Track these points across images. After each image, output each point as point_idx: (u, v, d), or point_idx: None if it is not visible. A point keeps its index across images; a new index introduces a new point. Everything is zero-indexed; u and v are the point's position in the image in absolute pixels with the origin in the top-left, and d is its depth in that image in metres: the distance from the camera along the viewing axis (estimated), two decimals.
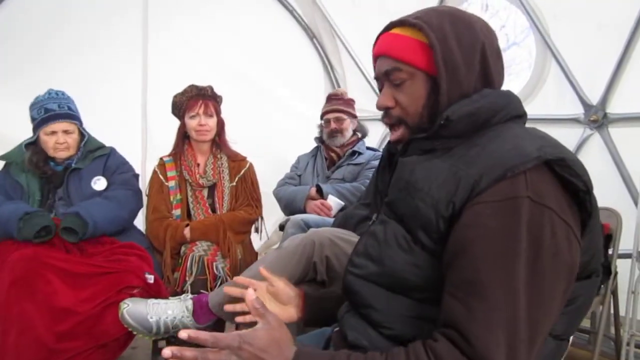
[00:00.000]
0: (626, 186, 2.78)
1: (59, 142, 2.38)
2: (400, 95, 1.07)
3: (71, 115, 2.42)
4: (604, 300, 2.35)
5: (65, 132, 2.40)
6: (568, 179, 0.87)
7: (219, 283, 2.32)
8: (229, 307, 1.44)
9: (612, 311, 2.44)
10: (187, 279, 2.32)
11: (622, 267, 2.45)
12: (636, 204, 2.59)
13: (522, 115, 1.05)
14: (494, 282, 0.82)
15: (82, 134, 2.50)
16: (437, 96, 1.02)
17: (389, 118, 1.11)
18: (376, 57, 1.12)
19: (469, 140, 0.98)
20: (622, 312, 2.46)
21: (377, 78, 1.13)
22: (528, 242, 0.83)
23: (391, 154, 1.20)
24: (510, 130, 0.97)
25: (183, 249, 2.46)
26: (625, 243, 2.40)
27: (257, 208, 2.71)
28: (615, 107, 2.86)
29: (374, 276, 1.02)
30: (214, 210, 2.64)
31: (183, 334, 0.93)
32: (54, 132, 2.37)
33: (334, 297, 1.32)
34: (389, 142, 1.24)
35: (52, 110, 2.36)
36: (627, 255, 2.49)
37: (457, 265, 0.87)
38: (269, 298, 1.40)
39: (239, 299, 1.38)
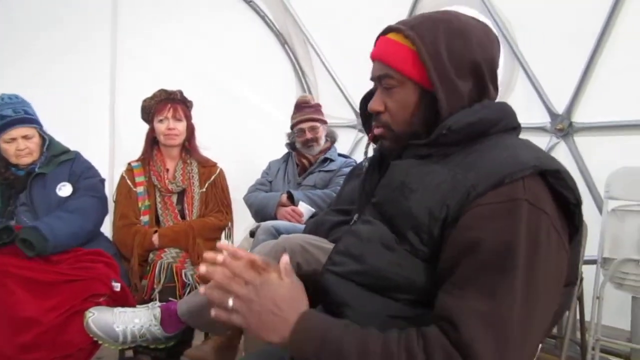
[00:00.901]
0: (590, 193, 2.84)
1: (20, 148, 2.30)
2: (389, 101, 1.08)
3: (28, 119, 2.33)
4: (569, 306, 2.38)
5: (25, 137, 2.31)
6: (560, 192, 0.89)
7: (188, 290, 2.28)
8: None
9: (578, 316, 2.48)
10: (155, 286, 2.28)
11: (587, 272, 2.49)
12: (600, 211, 2.65)
13: (516, 127, 1.07)
14: (491, 280, 0.83)
15: (43, 137, 2.42)
16: (429, 106, 1.03)
17: (378, 122, 1.12)
18: (373, 60, 1.13)
19: (465, 148, 0.99)
20: (587, 317, 2.51)
21: (372, 80, 1.14)
22: (526, 242, 0.84)
23: (383, 156, 1.20)
24: (507, 141, 0.99)
25: (151, 256, 2.42)
26: (589, 249, 2.45)
27: (228, 214, 2.67)
28: (580, 117, 2.92)
29: (354, 274, 1.02)
30: (183, 217, 2.60)
31: (221, 244, 1.02)
32: (13, 139, 2.29)
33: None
34: (380, 144, 1.23)
35: (7, 116, 2.28)
36: (592, 262, 2.54)
37: (456, 266, 0.87)
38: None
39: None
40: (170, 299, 2.21)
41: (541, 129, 3.07)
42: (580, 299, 2.45)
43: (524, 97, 3.13)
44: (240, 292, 0.95)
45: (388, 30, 1.09)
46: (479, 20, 1.07)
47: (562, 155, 2.98)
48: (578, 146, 2.94)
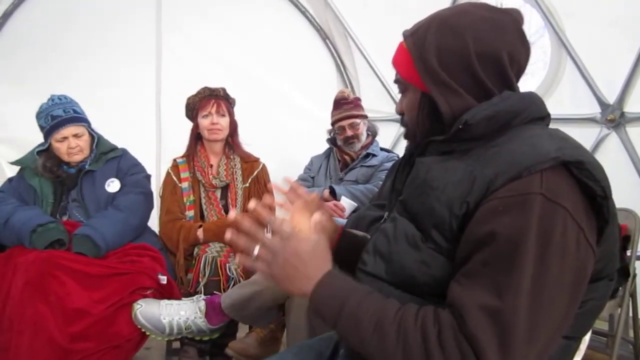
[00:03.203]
0: None
1: (71, 146, 2.39)
2: (403, 103, 1.14)
3: (78, 118, 2.42)
4: (621, 302, 2.30)
5: (75, 135, 2.40)
6: (585, 183, 0.86)
7: (231, 284, 2.31)
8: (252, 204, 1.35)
9: (630, 314, 2.40)
10: (200, 280, 2.32)
11: None
12: None
13: (544, 117, 1.03)
14: (498, 275, 0.82)
15: (92, 134, 2.51)
16: (433, 108, 1.04)
17: (402, 123, 1.19)
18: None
19: (487, 141, 0.97)
20: None
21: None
22: (537, 237, 0.82)
23: (411, 154, 1.21)
24: (530, 131, 0.96)
25: (196, 250, 2.46)
26: None
27: (271, 209, 2.69)
28: (632, 106, 2.81)
29: (382, 273, 1.02)
30: (226, 212, 2.63)
31: (252, 204, 1.06)
32: (64, 138, 2.38)
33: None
34: (409, 142, 1.27)
35: (58, 116, 2.36)
36: None
37: (468, 258, 0.87)
38: (309, 214, 1.33)
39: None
40: (214, 292, 2.25)
41: (591, 120, 2.97)
42: (634, 295, 2.37)
43: (572, 88, 3.04)
44: (266, 240, 0.98)
45: (403, 35, 1.11)
46: (497, 11, 1.03)
47: (613, 147, 2.89)
48: (630, 137, 2.83)
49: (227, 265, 2.36)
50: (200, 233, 2.49)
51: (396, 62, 1.12)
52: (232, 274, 2.35)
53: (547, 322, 0.83)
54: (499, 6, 1.04)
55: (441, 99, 1.01)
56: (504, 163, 0.88)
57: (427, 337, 0.84)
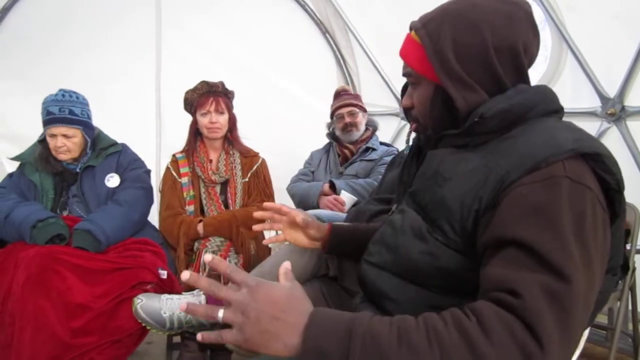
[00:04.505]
0: None
1: (57, 145, 2.37)
2: (415, 96, 1.12)
3: (70, 120, 2.37)
4: (621, 296, 2.31)
5: (65, 136, 2.37)
6: (601, 175, 0.86)
7: None
8: (257, 227, 1.56)
9: (630, 307, 2.40)
10: (200, 274, 2.32)
11: None
12: None
13: (558, 110, 1.04)
14: (544, 249, 0.78)
15: (86, 138, 2.45)
16: (446, 101, 1.03)
17: (409, 117, 1.17)
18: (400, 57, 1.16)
19: (502, 134, 0.97)
20: None
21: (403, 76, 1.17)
22: (572, 214, 0.80)
23: (420, 147, 1.21)
24: (544, 124, 0.96)
25: (196, 244, 2.47)
26: None
27: None
28: (633, 100, 2.80)
29: (389, 264, 1.03)
30: (226, 206, 2.64)
31: (208, 257, 0.84)
32: (53, 135, 2.37)
33: (357, 237, 1.39)
34: (417, 135, 1.27)
35: (52, 113, 2.34)
36: None
37: (501, 245, 0.83)
38: (297, 227, 1.48)
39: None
40: None
41: (591, 114, 2.97)
42: (633, 289, 2.38)
43: (573, 81, 3.03)
44: (231, 297, 0.81)
45: (410, 27, 1.10)
46: (507, 2, 1.02)
47: (613, 140, 2.88)
48: (631, 131, 2.83)
49: (227, 259, 2.37)
50: (200, 228, 2.49)
51: (406, 54, 1.10)
52: None
53: (591, 298, 0.81)
54: None
55: (457, 95, 1.00)
56: (520, 155, 0.88)
57: (465, 331, 0.74)
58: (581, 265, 0.78)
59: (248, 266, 2.39)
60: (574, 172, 0.84)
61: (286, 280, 0.85)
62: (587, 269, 0.79)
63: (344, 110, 3.15)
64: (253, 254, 2.48)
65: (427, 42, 1.02)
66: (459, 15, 1.01)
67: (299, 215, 1.47)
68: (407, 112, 1.18)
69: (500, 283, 0.79)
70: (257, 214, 1.56)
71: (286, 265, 0.88)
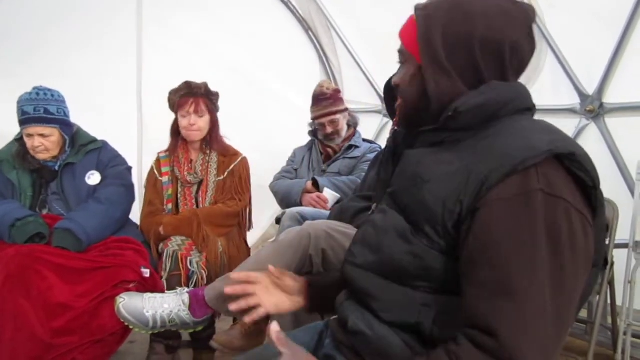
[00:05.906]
0: (622, 176, 2.77)
1: (35, 145, 2.32)
2: (400, 75, 1.13)
3: (46, 119, 2.32)
4: (600, 290, 2.35)
5: (42, 135, 2.33)
6: (576, 174, 0.87)
7: (194, 279, 2.31)
8: (233, 307, 1.33)
9: (609, 301, 2.44)
10: (162, 274, 2.31)
11: (619, 257, 2.45)
12: (632, 193, 2.59)
13: (530, 108, 1.04)
14: (519, 279, 0.81)
15: (64, 136, 2.41)
16: (423, 85, 1.03)
17: (398, 94, 1.16)
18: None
19: (477, 133, 0.97)
20: (618, 302, 2.47)
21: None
22: (546, 236, 0.82)
23: (396, 145, 1.21)
24: (519, 124, 0.96)
25: (161, 245, 2.47)
26: (621, 233, 2.40)
27: (240, 201, 2.65)
28: (611, 97, 2.84)
29: (372, 265, 1.02)
30: (198, 206, 2.64)
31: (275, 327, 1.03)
32: (30, 135, 2.33)
33: (336, 285, 1.30)
34: (394, 132, 1.25)
35: (27, 113, 2.29)
36: (623, 245, 2.49)
37: (479, 264, 0.86)
38: (274, 288, 1.35)
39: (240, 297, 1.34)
40: (176, 287, 2.22)
41: (571, 111, 3.01)
42: (612, 283, 2.41)
43: (553, 79, 3.07)
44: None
45: (415, 8, 1.10)
46: (512, 2, 1.01)
47: (592, 137, 2.92)
48: (609, 128, 2.87)
49: (188, 258, 2.36)
50: (161, 228, 2.49)
51: (402, 33, 1.10)
52: (193, 268, 2.34)
53: (568, 318, 0.84)
54: None
55: (430, 78, 1.01)
56: (497, 158, 0.88)
57: None
58: (552, 286, 0.81)
59: (215, 265, 2.41)
60: (548, 181, 0.84)
61: (284, 349, 0.99)
62: (561, 284, 0.82)
63: (325, 120, 3.08)
64: (221, 252, 2.47)
65: (421, 24, 1.03)
66: (459, 3, 1.01)
67: (271, 273, 1.35)
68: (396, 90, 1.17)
69: (476, 318, 0.84)
70: (228, 290, 1.36)
71: (274, 329, 1.03)
